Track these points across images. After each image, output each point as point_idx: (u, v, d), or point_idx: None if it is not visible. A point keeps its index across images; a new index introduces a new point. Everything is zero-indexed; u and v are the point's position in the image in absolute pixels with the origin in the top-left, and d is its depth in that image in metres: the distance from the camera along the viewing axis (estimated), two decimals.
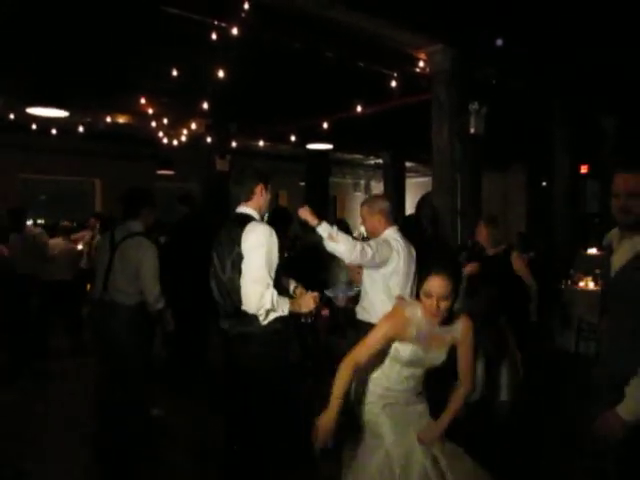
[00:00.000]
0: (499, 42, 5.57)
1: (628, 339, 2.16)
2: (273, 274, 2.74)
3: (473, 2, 4.95)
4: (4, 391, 5.07)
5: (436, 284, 2.27)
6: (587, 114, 8.74)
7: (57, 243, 6.74)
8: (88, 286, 6.58)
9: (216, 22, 5.08)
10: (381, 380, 2.53)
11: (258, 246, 2.71)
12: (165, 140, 9.05)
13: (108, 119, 8.29)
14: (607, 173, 9.73)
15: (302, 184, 13.10)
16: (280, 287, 2.81)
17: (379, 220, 3.46)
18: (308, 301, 2.80)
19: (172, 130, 8.76)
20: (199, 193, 9.27)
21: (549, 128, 8.62)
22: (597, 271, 6.22)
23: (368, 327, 2.66)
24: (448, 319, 2.39)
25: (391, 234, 3.41)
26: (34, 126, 8.43)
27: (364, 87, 6.95)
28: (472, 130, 5.86)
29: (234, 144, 9.30)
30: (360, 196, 16.89)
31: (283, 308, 2.73)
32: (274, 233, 2.77)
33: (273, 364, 2.78)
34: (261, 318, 2.71)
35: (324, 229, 3.10)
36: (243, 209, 2.90)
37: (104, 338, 3.91)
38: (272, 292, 2.68)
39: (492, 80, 6.50)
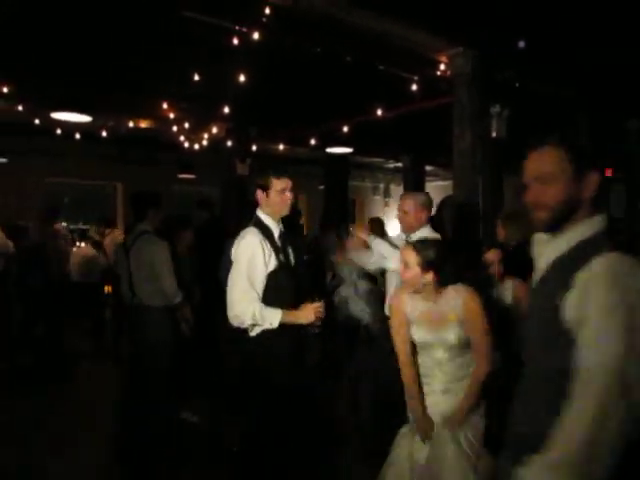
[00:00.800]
0: (521, 44, 5.50)
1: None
2: (258, 284, 2.69)
3: (494, 3, 4.90)
4: (25, 393, 5.15)
5: (402, 252, 2.61)
6: (611, 117, 8.60)
7: (83, 249, 6.87)
8: (106, 288, 6.66)
9: (237, 27, 5.12)
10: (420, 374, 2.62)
11: (239, 257, 2.69)
12: (186, 144, 9.12)
13: (130, 124, 8.39)
14: (633, 176, 9.58)
15: (321, 187, 13.09)
16: (283, 294, 2.76)
17: (424, 216, 3.42)
18: (307, 313, 2.73)
19: (193, 134, 8.83)
20: (219, 197, 9.33)
21: (572, 130, 8.50)
22: None
23: None
24: (441, 295, 2.56)
25: (431, 233, 3.39)
26: (59, 131, 8.57)
27: (384, 90, 6.92)
28: (494, 133, 5.81)
29: (254, 148, 9.35)
30: (379, 200, 16.85)
31: (271, 321, 2.66)
32: (259, 241, 2.71)
33: (270, 363, 2.75)
34: (249, 331, 2.70)
35: (379, 247, 3.24)
36: (257, 212, 2.91)
37: (136, 341, 3.97)
38: (254, 307, 2.63)
39: (514, 83, 6.43)
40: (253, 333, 2.69)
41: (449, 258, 2.58)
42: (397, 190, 15.90)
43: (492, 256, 3.21)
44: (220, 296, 2.93)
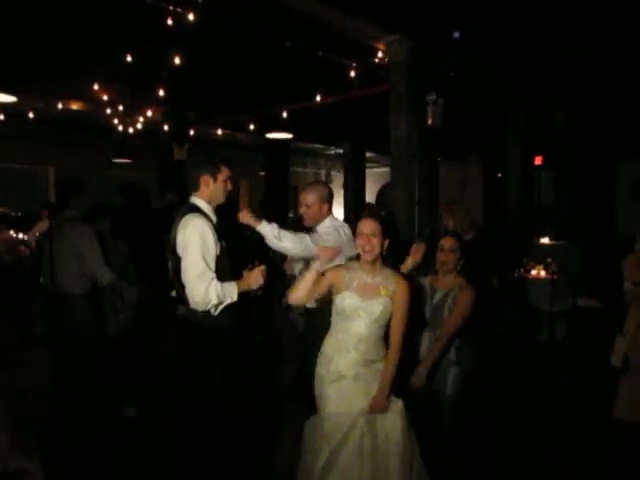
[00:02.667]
0: (456, 34, 5.64)
1: None
2: (213, 265, 2.70)
3: None
4: None
5: (365, 224, 2.66)
6: (540, 107, 8.97)
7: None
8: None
9: (172, 7, 4.99)
10: (331, 350, 2.68)
11: (191, 241, 2.67)
12: (120, 128, 8.82)
13: (60, 105, 8.02)
14: (560, 164, 10.05)
15: (262, 174, 13.01)
16: (226, 273, 2.78)
17: (326, 208, 3.40)
18: (257, 276, 2.76)
19: (128, 118, 8.54)
20: (156, 182, 9.11)
21: (504, 119, 8.81)
22: (549, 260, 6.44)
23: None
24: (380, 273, 2.67)
25: (334, 222, 3.40)
26: None
27: (324, 76, 6.93)
28: (430, 121, 5.93)
29: (192, 132, 9.16)
30: None
31: (231, 295, 2.71)
32: (207, 224, 2.72)
33: (225, 343, 2.78)
34: (212, 311, 2.69)
35: (265, 229, 3.09)
36: (192, 199, 2.85)
37: (57, 331, 3.85)
38: (215, 285, 2.65)
39: (450, 72, 6.58)
40: (217, 312, 2.69)
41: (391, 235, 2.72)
42: (339, 176, 16.01)
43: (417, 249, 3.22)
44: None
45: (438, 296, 3.18)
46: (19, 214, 7.75)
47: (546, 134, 9.54)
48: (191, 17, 4.99)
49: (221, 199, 2.91)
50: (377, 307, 2.60)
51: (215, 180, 2.84)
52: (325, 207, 3.40)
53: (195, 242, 2.66)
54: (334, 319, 2.73)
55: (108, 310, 4.18)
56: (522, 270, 6.42)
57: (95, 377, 3.78)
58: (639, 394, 2.88)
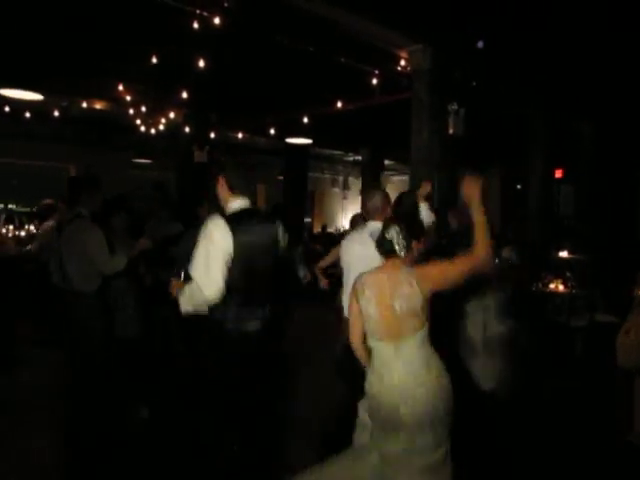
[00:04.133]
0: (480, 44, 5.62)
1: None
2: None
3: (455, 3, 4.98)
4: None
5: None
6: (563, 119, 8.89)
7: None
8: None
9: (198, 11, 5.03)
10: (374, 377, 2.51)
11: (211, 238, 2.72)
12: (142, 128, 8.92)
13: (84, 104, 8.14)
14: (581, 177, 9.94)
15: (280, 178, 13.06)
16: None
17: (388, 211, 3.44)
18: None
19: (150, 118, 8.63)
20: (175, 183, 9.18)
21: (525, 131, 8.75)
22: (567, 274, 6.36)
23: None
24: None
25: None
26: (7, 109, 8.23)
27: (346, 83, 6.95)
28: (451, 130, 5.91)
29: (213, 135, 9.23)
30: (338, 192, 16.93)
31: None
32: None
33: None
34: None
35: None
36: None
37: (68, 329, 3.87)
38: None
39: (472, 82, 6.56)
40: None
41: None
42: (356, 183, 16.01)
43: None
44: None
45: None
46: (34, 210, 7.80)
47: (567, 146, 9.45)
48: (217, 21, 5.03)
49: (224, 203, 2.90)
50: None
51: (220, 183, 2.91)
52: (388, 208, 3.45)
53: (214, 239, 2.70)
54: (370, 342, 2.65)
55: (115, 307, 4.23)
56: (540, 283, 6.35)
57: (107, 375, 3.79)
58: None
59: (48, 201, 6.34)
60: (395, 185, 15.63)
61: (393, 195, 3.76)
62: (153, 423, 4.06)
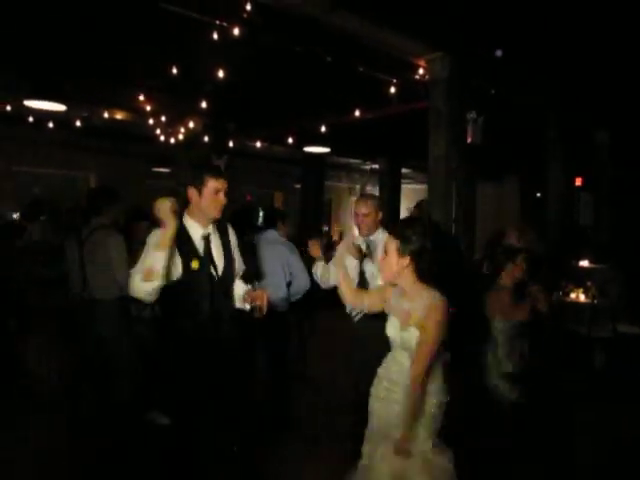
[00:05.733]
0: (498, 53, 5.60)
1: None
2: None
3: (474, 12, 4.97)
4: None
5: (386, 241, 2.52)
6: (582, 127, 8.81)
7: None
8: None
9: (217, 22, 5.09)
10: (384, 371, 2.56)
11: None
12: (162, 138, 9.02)
13: (106, 114, 8.26)
14: (601, 185, 9.82)
15: (298, 186, 13.10)
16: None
17: (380, 218, 3.42)
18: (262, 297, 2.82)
19: (169, 128, 8.74)
20: None
21: (544, 140, 8.67)
22: (588, 283, 6.27)
23: None
24: (415, 293, 2.39)
25: (383, 232, 3.39)
26: (31, 119, 8.39)
27: (363, 92, 6.97)
28: (469, 139, 5.89)
29: (231, 144, 9.29)
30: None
31: None
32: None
33: None
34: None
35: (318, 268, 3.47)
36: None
37: (88, 336, 3.91)
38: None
39: (490, 90, 6.53)
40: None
41: (428, 246, 2.37)
42: (373, 192, 16.00)
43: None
44: None
45: None
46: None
47: (587, 154, 9.35)
48: (236, 32, 5.08)
49: (213, 214, 2.73)
50: (410, 336, 2.37)
51: (201, 194, 2.68)
52: (379, 217, 3.41)
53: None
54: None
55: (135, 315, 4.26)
56: (561, 293, 6.27)
57: (124, 381, 3.82)
58: None
59: (33, 200, 6.46)
60: (412, 194, 15.58)
61: (411, 204, 3.77)
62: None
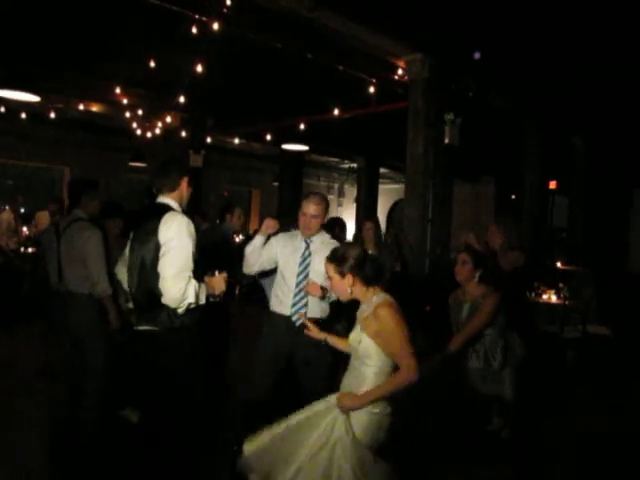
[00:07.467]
0: (477, 55, 5.66)
1: None
2: (192, 265, 2.68)
3: (454, 14, 5.02)
4: None
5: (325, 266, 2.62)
6: (557, 132, 8.96)
7: None
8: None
9: (197, 16, 5.05)
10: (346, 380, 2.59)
11: (177, 237, 2.64)
12: (139, 132, 8.91)
13: (81, 107, 8.12)
14: (575, 189, 10.02)
15: (275, 184, 13.07)
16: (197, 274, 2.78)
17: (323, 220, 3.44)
18: (219, 282, 2.79)
19: (146, 122, 8.63)
20: None
21: (520, 143, 8.80)
22: (560, 285, 6.38)
23: None
24: (368, 298, 2.50)
25: (324, 233, 3.45)
26: (2, 109, 8.20)
27: (343, 91, 6.98)
28: (447, 140, 5.94)
29: (209, 140, 9.23)
30: (333, 199, 16.94)
31: (202, 297, 2.71)
32: (192, 223, 2.74)
33: (177, 362, 2.75)
34: (180, 311, 2.67)
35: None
36: (163, 199, 2.84)
37: (62, 329, 3.86)
38: (194, 285, 2.64)
39: (469, 92, 6.60)
40: (182, 310, 2.66)
41: (362, 255, 2.51)
42: (351, 190, 16.04)
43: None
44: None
45: (467, 307, 3.59)
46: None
47: (561, 158, 9.52)
48: (215, 26, 5.04)
49: (187, 201, 2.98)
50: (357, 344, 2.48)
51: (190, 183, 2.94)
52: (324, 220, 3.43)
53: (180, 239, 2.64)
54: None
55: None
56: (533, 294, 6.37)
57: (97, 376, 3.77)
58: None
59: None
60: (389, 193, 15.67)
61: (388, 203, 3.80)
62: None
